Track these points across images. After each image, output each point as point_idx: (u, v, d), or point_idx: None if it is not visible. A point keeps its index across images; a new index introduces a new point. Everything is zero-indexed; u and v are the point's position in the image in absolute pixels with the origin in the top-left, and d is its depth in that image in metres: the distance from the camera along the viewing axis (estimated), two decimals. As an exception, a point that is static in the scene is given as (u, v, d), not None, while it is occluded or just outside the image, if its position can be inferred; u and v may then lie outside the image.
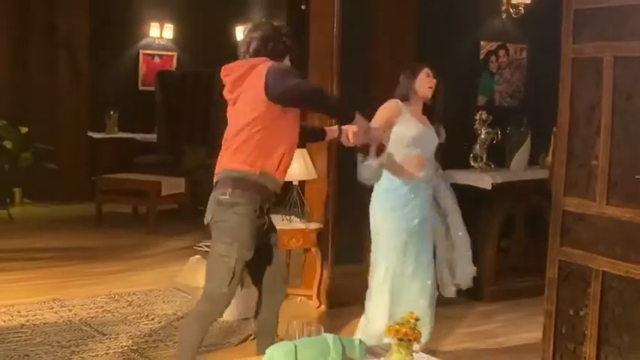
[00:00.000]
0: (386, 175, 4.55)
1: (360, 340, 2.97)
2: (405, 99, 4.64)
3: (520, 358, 4.92)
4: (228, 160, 3.79)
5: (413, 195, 4.59)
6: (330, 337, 2.86)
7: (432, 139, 4.67)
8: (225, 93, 3.89)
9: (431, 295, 4.69)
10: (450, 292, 4.90)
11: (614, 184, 2.44)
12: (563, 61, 2.53)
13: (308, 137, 4.38)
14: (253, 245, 3.76)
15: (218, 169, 3.87)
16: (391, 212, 4.62)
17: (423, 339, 4.49)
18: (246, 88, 3.76)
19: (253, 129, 3.70)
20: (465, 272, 4.90)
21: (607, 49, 2.42)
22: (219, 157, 3.89)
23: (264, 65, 3.71)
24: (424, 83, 4.64)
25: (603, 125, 2.43)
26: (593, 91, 2.46)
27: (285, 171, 3.84)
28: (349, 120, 3.85)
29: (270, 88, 3.63)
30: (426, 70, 4.64)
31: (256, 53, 3.81)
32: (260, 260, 3.88)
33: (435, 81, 4.64)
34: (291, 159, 3.89)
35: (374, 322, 4.60)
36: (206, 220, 3.87)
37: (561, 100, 2.53)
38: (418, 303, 4.56)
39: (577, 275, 2.53)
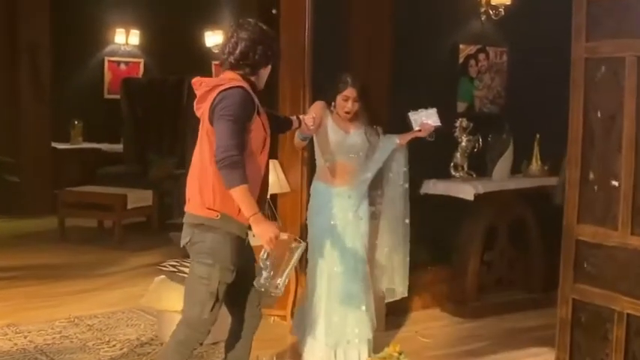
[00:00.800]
0: (314, 180, 4.75)
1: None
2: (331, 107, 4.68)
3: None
4: (196, 192, 3.54)
5: (333, 200, 4.62)
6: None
7: (357, 146, 4.65)
8: (195, 108, 3.60)
9: (367, 300, 4.67)
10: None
11: (639, 209, 2.06)
12: (574, 62, 2.16)
13: (277, 127, 4.09)
14: (236, 266, 3.53)
15: (188, 195, 3.61)
16: (313, 216, 4.69)
17: (365, 347, 4.51)
18: (203, 111, 3.49)
19: (210, 165, 3.44)
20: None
21: (629, 48, 2.05)
22: (189, 178, 3.61)
23: (223, 88, 3.44)
24: (339, 105, 4.63)
25: (625, 138, 2.04)
26: (611, 97, 2.09)
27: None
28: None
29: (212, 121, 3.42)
30: (344, 93, 4.59)
31: (243, 57, 3.52)
32: (237, 281, 3.60)
33: (352, 106, 4.57)
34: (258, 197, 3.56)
35: (313, 329, 4.64)
36: (182, 242, 3.64)
37: (572, 108, 2.17)
38: (352, 306, 4.60)
39: (595, 318, 2.15)
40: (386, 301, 5.00)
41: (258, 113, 3.50)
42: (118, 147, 10.52)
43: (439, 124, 4.77)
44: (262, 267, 3.42)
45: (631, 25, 2.04)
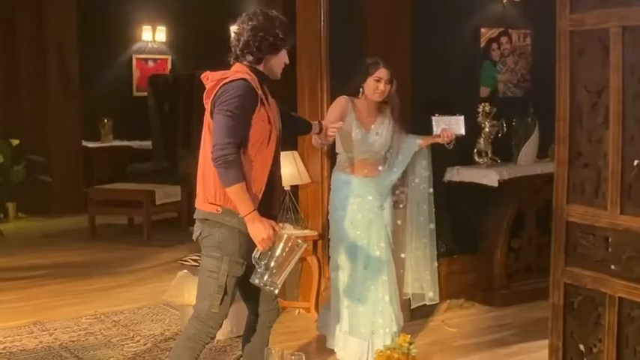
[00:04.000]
0: (334, 172, 4.69)
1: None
2: (354, 94, 4.57)
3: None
4: (203, 188, 3.51)
5: (355, 192, 4.56)
6: (309, 369, 2.52)
7: (377, 144, 4.59)
8: (204, 103, 3.55)
9: (391, 291, 4.59)
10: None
11: (628, 188, 1.95)
12: (559, 36, 2.05)
13: (295, 129, 4.07)
14: (246, 259, 3.46)
15: (197, 190, 3.58)
16: (335, 209, 4.62)
17: (389, 339, 4.43)
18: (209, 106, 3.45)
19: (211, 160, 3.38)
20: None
21: (613, 18, 1.94)
22: (198, 174, 3.57)
23: (226, 81, 3.39)
24: (371, 87, 4.54)
25: (612, 114, 1.94)
26: (598, 72, 1.98)
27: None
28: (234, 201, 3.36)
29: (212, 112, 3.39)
30: (377, 75, 4.51)
31: (246, 46, 3.46)
32: (249, 275, 3.50)
33: (385, 87, 4.50)
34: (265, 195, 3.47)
35: (340, 323, 4.60)
36: (194, 236, 3.61)
37: (559, 84, 2.07)
38: (375, 297, 4.54)
39: (587, 302, 2.03)
40: (412, 306, 4.93)
41: (263, 104, 3.44)
42: (148, 144, 10.56)
43: (462, 133, 4.63)
44: (256, 266, 3.36)
45: (614, -6, 1.93)
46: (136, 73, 11.60)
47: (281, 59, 3.57)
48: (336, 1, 5.36)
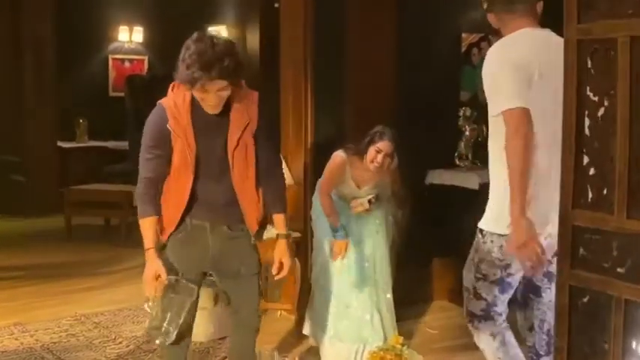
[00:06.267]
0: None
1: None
2: (357, 153, 4.53)
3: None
4: None
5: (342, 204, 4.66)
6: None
7: (364, 196, 4.63)
8: None
9: (381, 301, 4.66)
10: None
11: (634, 192, 2.00)
12: (567, 45, 2.09)
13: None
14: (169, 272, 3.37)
15: None
16: (319, 217, 4.70)
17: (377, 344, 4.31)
18: None
19: None
20: None
21: (622, 28, 1.99)
22: None
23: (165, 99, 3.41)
24: (370, 156, 4.48)
25: (620, 120, 2.00)
26: (605, 80, 2.04)
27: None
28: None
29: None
30: (379, 145, 4.45)
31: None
32: (228, 284, 3.63)
33: (384, 160, 4.45)
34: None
35: (322, 324, 4.65)
36: None
37: (566, 92, 2.11)
38: (366, 306, 4.57)
39: (593, 305, 2.08)
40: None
41: (175, 133, 3.32)
42: (124, 144, 10.48)
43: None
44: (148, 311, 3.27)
45: (623, 6, 1.97)
46: (112, 74, 11.52)
47: (198, 94, 3.22)
48: (321, 5, 5.39)
